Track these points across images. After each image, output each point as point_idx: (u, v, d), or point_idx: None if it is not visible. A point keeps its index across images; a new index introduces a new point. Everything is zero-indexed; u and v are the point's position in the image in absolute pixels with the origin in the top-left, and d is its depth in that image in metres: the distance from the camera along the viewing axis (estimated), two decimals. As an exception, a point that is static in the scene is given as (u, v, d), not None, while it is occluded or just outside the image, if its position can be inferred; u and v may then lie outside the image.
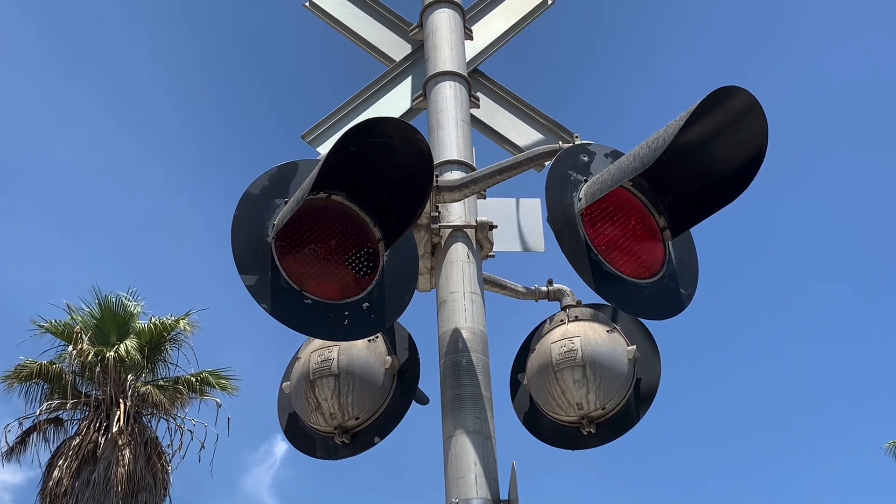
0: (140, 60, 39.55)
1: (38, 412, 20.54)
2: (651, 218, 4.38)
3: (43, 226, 40.93)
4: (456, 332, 4.37)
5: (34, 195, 39.36)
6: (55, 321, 20.97)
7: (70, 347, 20.32)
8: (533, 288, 5.13)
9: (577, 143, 4.48)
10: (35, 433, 20.47)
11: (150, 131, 40.46)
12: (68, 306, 21.24)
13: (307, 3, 6.00)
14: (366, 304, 4.07)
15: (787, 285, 44.74)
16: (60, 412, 20.73)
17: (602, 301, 4.44)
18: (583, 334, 4.72)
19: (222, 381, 21.35)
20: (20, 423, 20.54)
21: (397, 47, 5.81)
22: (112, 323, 21.26)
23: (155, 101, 40.77)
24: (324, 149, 5.34)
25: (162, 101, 41.05)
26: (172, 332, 21.45)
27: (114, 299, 21.39)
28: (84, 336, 20.47)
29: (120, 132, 39.88)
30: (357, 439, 4.58)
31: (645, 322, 4.81)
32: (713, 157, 4.14)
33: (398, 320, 4.37)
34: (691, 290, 4.33)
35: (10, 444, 20.28)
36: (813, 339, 45.84)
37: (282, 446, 38.48)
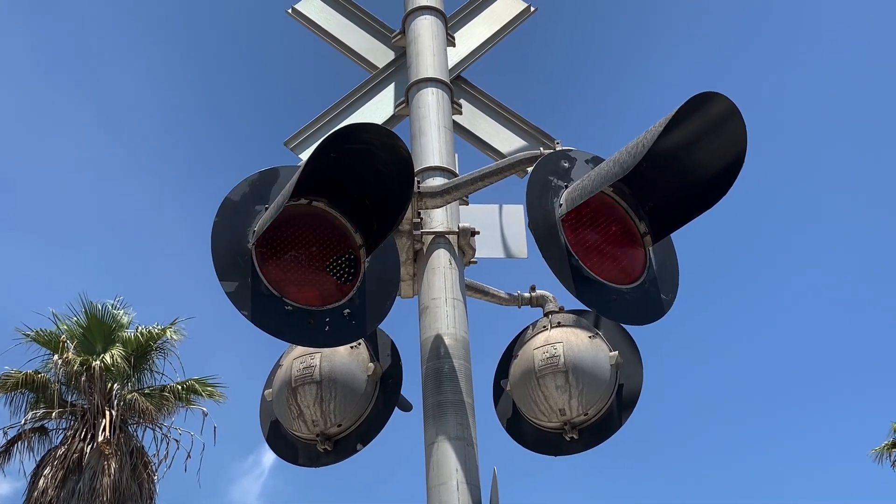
0: (127, 68, 39.50)
1: (22, 421, 20.44)
2: (631, 223, 4.39)
3: (29, 233, 40.78)
4: (438, 339, 4.36)
5: (20, 202, 39.24)
6: (41, 330, 20.85)
7: (55, 356, 20.21)
8: (516, 294, 5.13)
9: (558, 148, 4.48)
10: (20, 443, 20.34)
11: (137, 139, 40.43)
12: (54, 315, 21.14)
13: (290, 10, 6.00)
14: (347, 310, 4.06)
15: (770, 288, 44.92)
16: (46, 421, 20.60)
17: (584, 307, 4.44)
18: (565, 340, 4.73)
19: (209, 388, 21.25)
20: (5, 433, 20.43)
21: (380, 54, 5.81)
22: (98, 332, 21.15)
23: (142, 109, 40.74)
24: (306, 155, 5.32)
25: (149, 109, 41.03)
26: (159, 341, 21.35)
27: (100, 307, 21.34)
28: (70, 345, 20.35)
29: (107, 139, 39.82)
30: (339, 446, 4.56)
31: (627, 327, 4.82)
32: (693, 163, 4.16)
33: (380, 327, 4.36)
34: (672, 296, 4.34)
35: (-5, 454, 20.16)
36: (799, 345, 46.01)
37: (270, 455, 38.35)
